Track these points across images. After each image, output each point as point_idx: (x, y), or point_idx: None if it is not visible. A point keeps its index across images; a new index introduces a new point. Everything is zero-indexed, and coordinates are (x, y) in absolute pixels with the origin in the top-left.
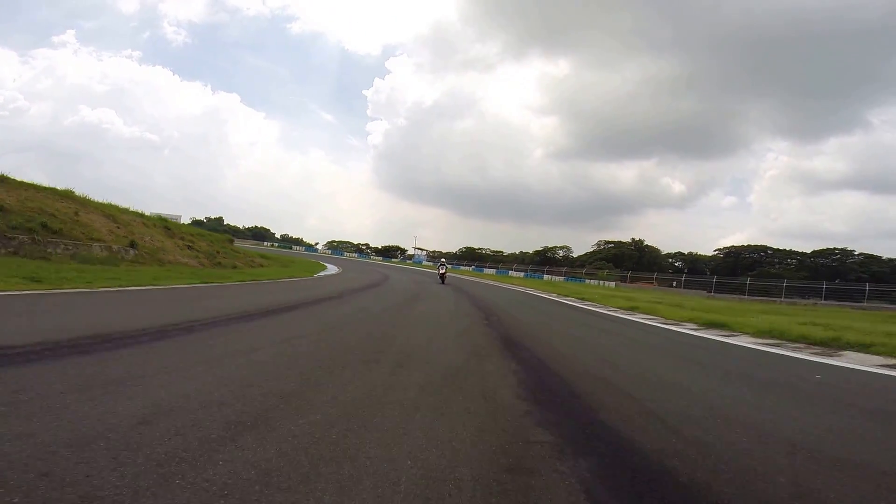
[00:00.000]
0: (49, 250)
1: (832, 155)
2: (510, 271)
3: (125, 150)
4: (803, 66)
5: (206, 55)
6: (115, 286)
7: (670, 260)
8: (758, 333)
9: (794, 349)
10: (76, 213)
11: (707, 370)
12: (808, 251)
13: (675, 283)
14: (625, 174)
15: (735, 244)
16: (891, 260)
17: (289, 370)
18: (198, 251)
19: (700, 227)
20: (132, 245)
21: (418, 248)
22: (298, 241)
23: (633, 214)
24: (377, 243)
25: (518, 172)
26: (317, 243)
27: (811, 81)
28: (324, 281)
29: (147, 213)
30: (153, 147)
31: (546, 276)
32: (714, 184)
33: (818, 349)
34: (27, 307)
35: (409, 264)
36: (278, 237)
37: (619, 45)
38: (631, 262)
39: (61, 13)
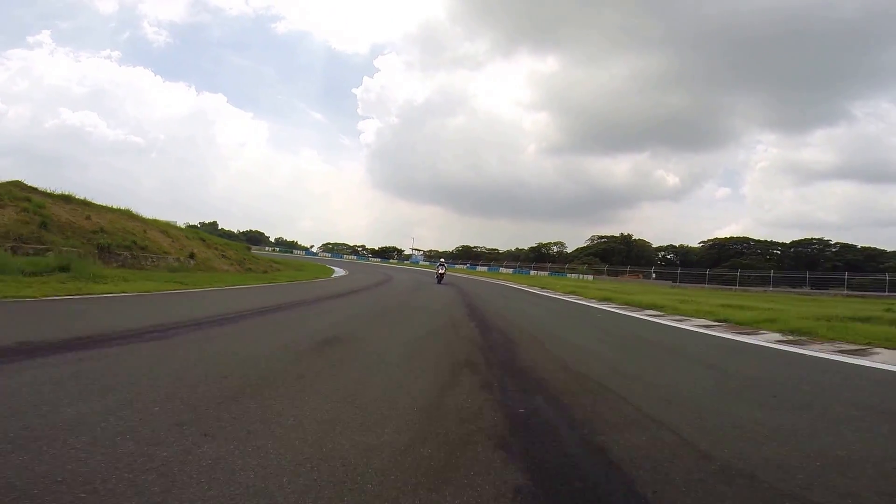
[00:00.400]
0: (142, 263)
1: (820, 146)
2: (501, 268)
3: (110, 154)
4: (786, 61)
5: (189, 56)
6: (220, 286)
7: (662, 253)
8: (641, 305)
9: (649, 315)
10: (144, 231)
11: (573, 320)
12: (788, 241)
13: (653, 275)
14: (619, 168)
15: (726, 235)
16: (865, 248)
17: (362, 318)
18: (230, 259)
19: (696, 219)
20: (191, 256)
21: (415, 249)
22: (294, 245)
23: (629, 208)
24: (373, 244)
25: (513, 168)
26: (312, 246)
27: (794, 76)
28: (343, 280)
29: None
30: (139, 150)
31: (533, 272)
32: (707, 176)
33: (672, 317)
34: (214, 299)
35: (406, 265)
36: (272, 240)
37: (606, 41)
38: (619, 256)
39: (35, 14)
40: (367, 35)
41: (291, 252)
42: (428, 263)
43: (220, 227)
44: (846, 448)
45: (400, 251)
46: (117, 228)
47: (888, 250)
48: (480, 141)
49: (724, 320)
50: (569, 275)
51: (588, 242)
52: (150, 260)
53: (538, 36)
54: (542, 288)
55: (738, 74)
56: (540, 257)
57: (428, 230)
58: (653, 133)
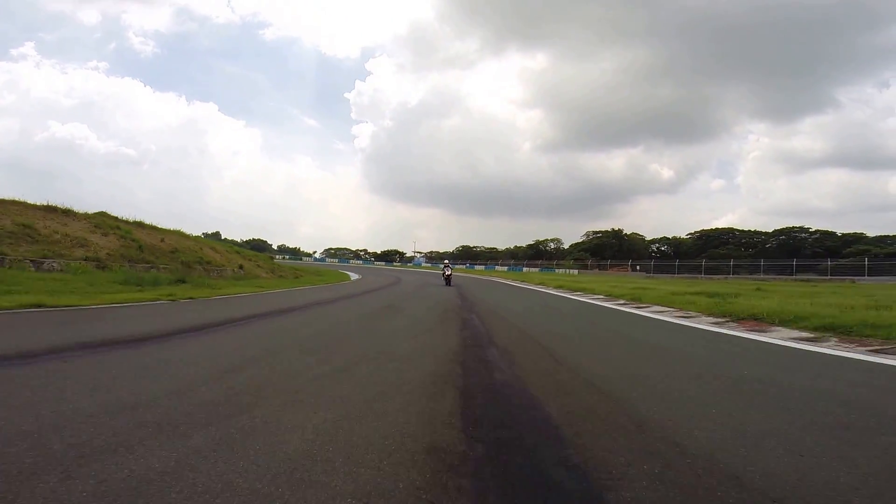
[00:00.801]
0: (211, 274)
1: (809, 134)
2: (496, 266)
3: (102, 166)
4: (768, 49)
5: (178, 65)
6: (282, 289)
7: (656, 245)
8: (579, 290)
9: (576, 295)
10: (201, 248)
11: (521, 298)
12: (771, 230)
13: (637, 268)
14: (613, 163)
15: (723, 226)
16: (844, 235)
17: (397, 300)
18: (264, 268)
19: (694, 211)
20: (241, 267)
21: (417, 252)
22: (297, 252)
23: (626, 202)
24: (374, 248)
25: (509, 167)
26: (315, 252)
27: (778, 64)
28: (364, 282)
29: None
30: (131, 162)
31: (525, 269)
32: (701, 168)
33: (590, 296)
34: (296, 296)
35: (410, 266)
36: (276, 248)
37: (592, 36)
38: (611, 250)
39: (17, 27)
40: (357, 38)
41: (300, 259)
42: (430, 265)
43: (223, 237)
44: (645, 349)
45: (402, 254)
46: (184, 247)
47: (870, 235)
48: (476, 141)
49: (633, 299)
50: (556, 270)
51: (583, 238)
52: (215, 272)
53: (526, 32)
54: (523, 282)
55: (723, 64)
56: (537, 254)
57: (428, 231)
58: (645, 127)
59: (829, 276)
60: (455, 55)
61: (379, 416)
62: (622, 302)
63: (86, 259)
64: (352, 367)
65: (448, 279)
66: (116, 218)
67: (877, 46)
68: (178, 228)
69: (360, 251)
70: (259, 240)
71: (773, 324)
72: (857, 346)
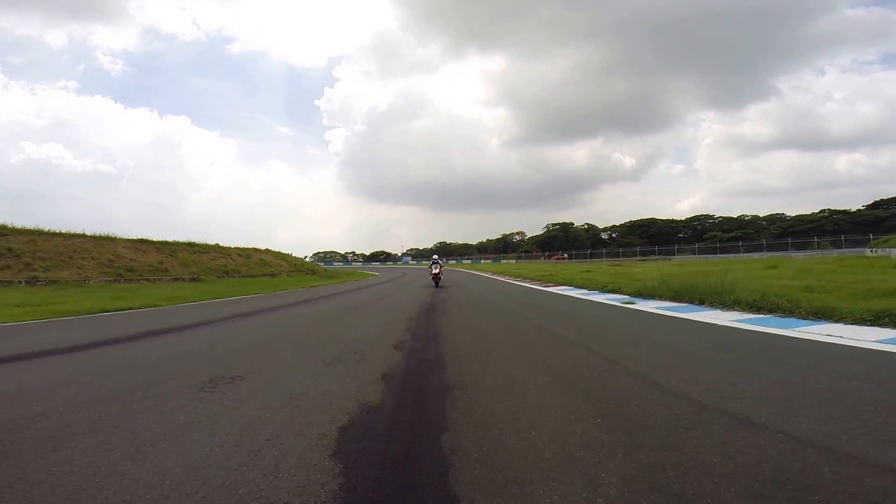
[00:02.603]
0: (276, 273)
1: (756, 120)
2: (463, 260)
3: (81, 185)
4: (709, 42)
5: (148, 81)
6: (338, 282)
7: (606, 234)
8: (497, 272)
9: (490, 274)
10: (275, 258)
11: (467, 277)
12: (684, 219)
13: (568, 256)
14: (577, 154)
15: (685, 209)
16: (739, 217)
17: (409, 282)
18: (302, 269)
19: (658, 195)
20: (294, 267)
21: (407, 252)
22: (287, 258)
23: (592, 190)
24: (353, 248)
25: (479, 162)
26: (306, 256)
27: (719, 56)
28: (387, 275)
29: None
30: (109, 178)
31: (483, 261)
32: (660, 155)
33: (500, 276)
34: (360, 282)
35: (399, 265)
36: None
37: (543, 38)
38: (559, 242)
39: None
40: (323, 49)
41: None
42: (415, 263)
43: (223, 246)
44: (530, 302)
45: (388, 254)
46: (269, 262)
47: (762, 215)
48: (445, 140)
49: (526, 277)
50: (503, 261)
51: (543, 231)
52: (285, 273)
53: (483, 34)
54: (477, 270)
55: (665, 58)
56: (505, 247)
57: (405, 229)
58: (603, 119)
59: (697, 256)
60: (419, 60)
61: (415, 299)
62: (520, 277)
63: (227, 272)
64: (412, 297)
65: (437, 279)
66: (193, 243)
67: (811, 36)
68: (254, 246)
69: (348, 253)
70: (252, 248)
71: (581, 286)
72: (659, 301)
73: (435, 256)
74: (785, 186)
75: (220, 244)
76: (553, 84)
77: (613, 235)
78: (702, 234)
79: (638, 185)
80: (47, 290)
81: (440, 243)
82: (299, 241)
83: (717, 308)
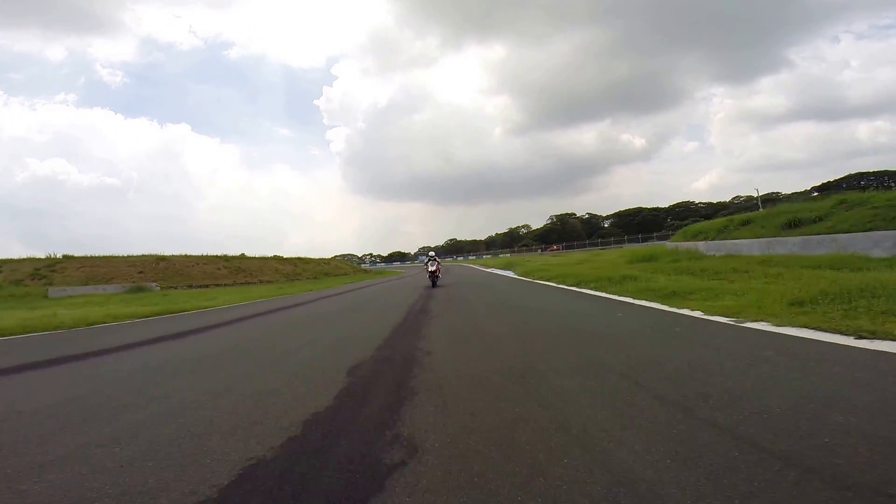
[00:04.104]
0: (333, 276)
1: (769, 92)
2: (469, 256)
3: (90, 200)
4: (713, 15)
5: (147, 91)
6: (388, 276)
7: (607, 223)
8: (482, 265)
9: (478, 266)
10: (341, 264)
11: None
12: (667, 206)
13: (559, 248)
14: (585, 138)
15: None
16: (733, 200)
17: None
18: (360, 269)
19: (673, 174)
20: (346, 274)
21: (420, 251)
22: (348, 264)
23: (604, 174)
24: (366, 249)
25: (483, 153)
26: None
27: (725, 29)
28: (414, 269)
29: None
30: (117, 191)
31: (485, 256)
32: (672, 133)
33: (489, 267)
34: (408, 273)
35: (417, 263)
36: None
37: (542, 23)
38: (556, 234)
39: None
40: (321, 49)
41: None
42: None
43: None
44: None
45: (403, 253)
46: (320, 269)
47: (700, 202)
48: (448, 131)
49: (492, 266)
50: (499, 255)
51: (546, 222)
52: (350, 273)
53: (481, 24)
54: (471, 264)
55: (671, 36)
56: (512, 240)
57: (414, 226)
58: (609, 101)
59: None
60: (417, 54)
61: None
62: (490, 266)
63: (326, 273)
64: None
65: (434, 278)
66: (283, 258)
67: (823, 4)
68: (321, 257)
69: (366, 255)
70: (275, 257)
71: (523, 273)
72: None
73: (432, 252)
74: (806, 158)
75: (310, 257)
76: (555, 69)
77: (606, 225)
78: (684, 219)
79: (650, 165)
80: (264, 287)
81: (451, 240)
82: (310, 246)
83: (516, 274)
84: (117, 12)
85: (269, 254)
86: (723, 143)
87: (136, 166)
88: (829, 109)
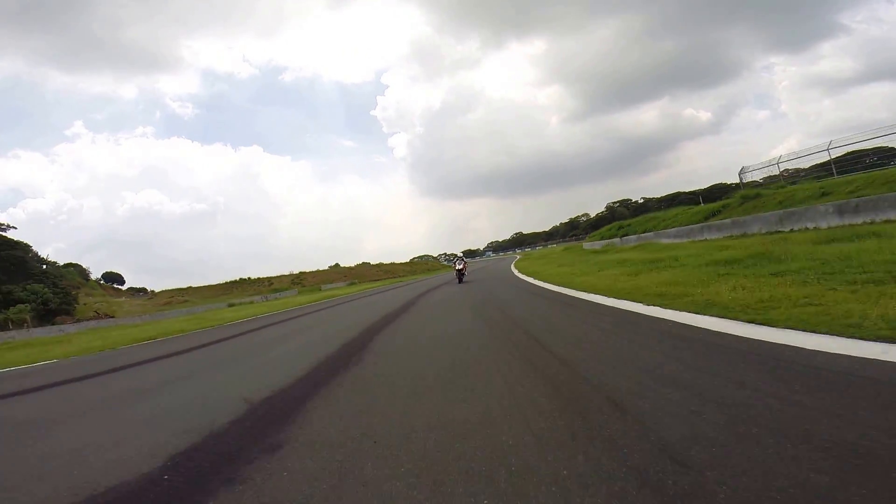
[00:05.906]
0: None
1: (833, 57)
2: (525, 248)
3: (185, 227)
4: None
5: (217, 118)
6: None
7: (661, 206)
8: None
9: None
10: (425, 264)
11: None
12: (706, 187)
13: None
14: (645, 117)
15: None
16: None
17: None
18: (433, 265)
19: (748, 144)
20: (428, 270)
21: (488, 247)
22: (435, 262)
23: (672, 150)
24: (437, 249)
25: (542, 143)
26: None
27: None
28: (495, 259)
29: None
30: (206, 215)
31: (538, 248)
32: (738, 105)
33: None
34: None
35: (484, 258)
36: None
37: (577, 13)
38: (606, 222)
39: (66, 111)
40: (369, 64)
41: None
42: (495, 255)
43: (300, 272)
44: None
45: (472, 251)
46: (391, 270)
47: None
48: (505, 126)
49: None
50: (549, 245)
51: (602, 210)
52: (433, 270)
53: (516, 24)
54: (503, 258)
55: (715, 9)
56: (573, 229)
57: (482, 221)
58: (661, 80)
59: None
60: (460, 57)
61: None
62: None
63: (412, 272)
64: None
65: (461, 275)
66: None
67: None
68: (395, 261)
69: (441, 255)
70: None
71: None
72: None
73: (459, 254)
74: (888, 117)
75: (399, 262)
76: (601, 53)
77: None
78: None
79: (720, 137)
80: (396, 279)
81: (516, 234)
82: (385, 250)
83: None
84: (175, 49)
85: (353, 263)
86: (794, 109)
87: (222, 190)
88: None
